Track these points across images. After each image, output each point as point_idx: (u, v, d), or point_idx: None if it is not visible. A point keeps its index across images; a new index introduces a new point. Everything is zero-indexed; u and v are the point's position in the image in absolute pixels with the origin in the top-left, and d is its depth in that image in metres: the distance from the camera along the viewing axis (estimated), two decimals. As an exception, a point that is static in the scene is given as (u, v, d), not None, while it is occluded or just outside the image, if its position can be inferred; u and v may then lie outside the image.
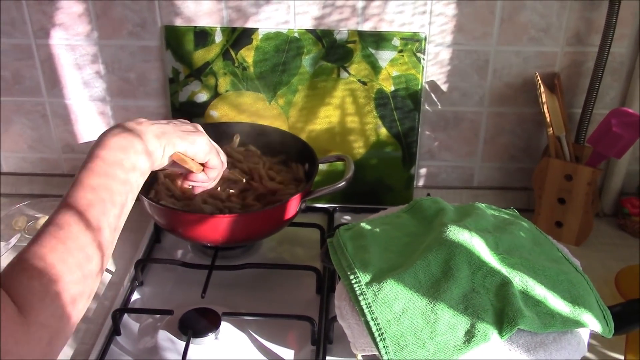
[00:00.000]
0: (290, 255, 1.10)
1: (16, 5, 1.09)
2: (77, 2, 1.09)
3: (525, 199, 1.21)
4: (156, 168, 0.75)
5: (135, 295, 0.99)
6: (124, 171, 0.67)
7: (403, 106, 1.13)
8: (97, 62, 1.14)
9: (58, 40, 1.12)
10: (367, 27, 1.09)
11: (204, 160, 0.81)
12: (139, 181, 0.70)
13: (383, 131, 1.15)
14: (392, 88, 1.12)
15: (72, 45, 1.13)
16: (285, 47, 1.10)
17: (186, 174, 0.83)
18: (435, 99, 1.15)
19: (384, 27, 1.09)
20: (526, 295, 0.76)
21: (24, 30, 1.12)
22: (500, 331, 0.71)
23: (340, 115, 1.14)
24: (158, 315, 0.93)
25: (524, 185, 1.22)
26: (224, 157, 0.85)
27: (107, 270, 1.05)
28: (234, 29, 1.10)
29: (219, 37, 1.11)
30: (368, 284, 0.76)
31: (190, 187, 0.86)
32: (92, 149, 0.68)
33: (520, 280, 0.77)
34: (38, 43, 1.13)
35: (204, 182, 0.84)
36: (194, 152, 0.78)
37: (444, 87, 1.14)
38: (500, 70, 1.12)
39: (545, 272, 0.80)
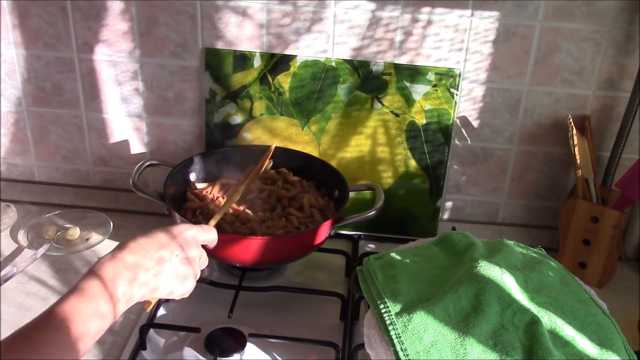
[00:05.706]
0: (314, 280, 1.10)
1: (63, 20, 1.12)
2: (122, 20, 1.11)
3: (548, 237, 1.21)
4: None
5: (161, 311, 1.00)
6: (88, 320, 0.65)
7: (434, 139, 1.15)
8: (137, 79, 1.16)
9: (101, 55, 1.15)
10: (403, 60, 1.11)
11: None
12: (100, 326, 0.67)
13: (412, 163, 1.16)
14: (424, 121, 1.14)
15: (114, 62, 1.15)
16: (322, 76, 1.13)
17: None
18: (466, 134, 1.16)
19: (420, 62, 1.11)
20: (555, 335, 0.76)
21: (68, 44, 1.14)
22: (530, 370, 0.72)
23: (371, 145, 1.16)
24: (183, 333, 0.94)
25: (548, 224, 1.23)
26: (211, 234, 0.86)
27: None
28: (272, 55, 1.13)
29: (257, 62, 1.13)
30: (398, 314, 0.77)
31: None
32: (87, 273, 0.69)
33: (549, 319, 0.78)
34: (81, 57, 1.16)
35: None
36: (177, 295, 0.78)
37: (475, 123, 1.15)
38: (532, 110, 1.14)
39: (574, 312, 0.80)
